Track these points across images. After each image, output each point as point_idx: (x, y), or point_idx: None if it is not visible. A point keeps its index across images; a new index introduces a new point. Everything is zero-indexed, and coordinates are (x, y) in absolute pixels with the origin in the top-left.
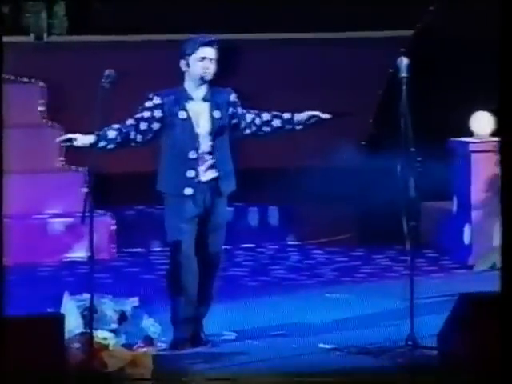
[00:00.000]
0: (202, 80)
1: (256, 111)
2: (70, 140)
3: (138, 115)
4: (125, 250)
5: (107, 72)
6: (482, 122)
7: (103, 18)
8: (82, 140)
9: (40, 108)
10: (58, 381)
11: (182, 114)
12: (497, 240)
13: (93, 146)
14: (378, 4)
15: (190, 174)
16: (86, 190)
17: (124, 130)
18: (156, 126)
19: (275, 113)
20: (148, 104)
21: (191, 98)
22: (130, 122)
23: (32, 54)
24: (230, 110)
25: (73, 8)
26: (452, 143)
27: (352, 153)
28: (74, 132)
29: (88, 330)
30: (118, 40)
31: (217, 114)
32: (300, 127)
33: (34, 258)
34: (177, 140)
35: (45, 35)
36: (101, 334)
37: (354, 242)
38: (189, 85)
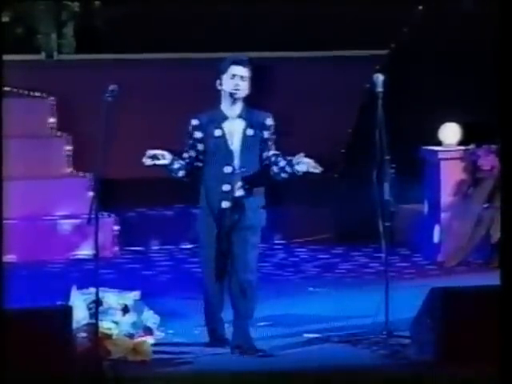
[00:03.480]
0: (233, 97)
1: (282, 157)
2: (156, 157)
3: (186, 147)
4: (127, 248)
5: (111, 87)
6: (450, 133)
7: (107, 38)
8: (163, 161)
9: (50, 120)
10: (66, 367)
11: (218, 132)
12: (463, 239)
13: (167, 168)
14: (357, 27)
15: (226, 188)
16: (91, 194)
17: (187, 166)
18: (200, 146)
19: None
20: (189, 129)
21: (226, 118)
22: (185, 155)
23: (43, 70)
24: (264, 133)
25: (80, 30)
26: (423, 152)
27: (333, 160)
28: (82, 142)
29: (94, 321)
30: (120, 58)
31: (250, 131)
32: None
33: (45, 256)
34: (212, 156)
35: (55, 54)
36: (105, 325)
37: (334, 240)
38: (224, 105)
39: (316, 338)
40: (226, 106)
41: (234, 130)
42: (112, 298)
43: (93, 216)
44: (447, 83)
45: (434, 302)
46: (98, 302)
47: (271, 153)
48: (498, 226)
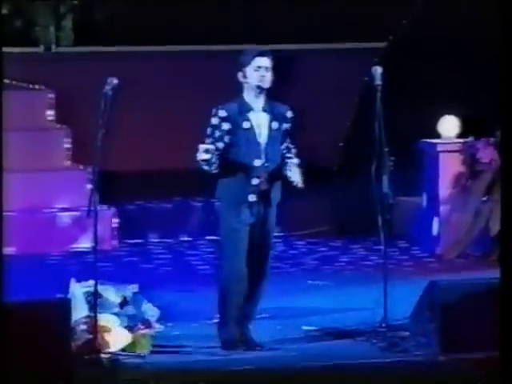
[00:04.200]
0: (260, 88)
1: (288, 153)
2: (209, 151)
3: (211, 139)
4: (125, 241)
5: (109, 80)
6: (449, 125)
7: (105, 31)
8: (209, 155)
9: (49, 112)
10: (65, 359)
11: (246, 124)
12: (462, 232)
13: (207, 162)
14: (356, 19)
15: (255, 181)
16: (90, 186)
17: (218, 158)
18: (227, 138)
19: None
20: (215, 121)
21: (252, 109)
22: (211, 147)
23: (41, 63)
24: (285, 125)
25: (78, 22)
26: (422, 144)
27: (332, 153)
28: (81, 134)
29: (92, 314)
30: (118, 51)
31: (275, 125)
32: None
33: (44, 248)
34: (241, 149)
35: (53, 46)
36: (104, 317)
37: (333, 233)
38: (247, 96)
39: (315, 330)
40: (250, 98)
41: (261, 122)
42: (111, 291)
43: (92, 209)
44: (446, 76)
45: (433, 295)
46: (96, 295)
47: (284, 145)
48: (497, 219)
